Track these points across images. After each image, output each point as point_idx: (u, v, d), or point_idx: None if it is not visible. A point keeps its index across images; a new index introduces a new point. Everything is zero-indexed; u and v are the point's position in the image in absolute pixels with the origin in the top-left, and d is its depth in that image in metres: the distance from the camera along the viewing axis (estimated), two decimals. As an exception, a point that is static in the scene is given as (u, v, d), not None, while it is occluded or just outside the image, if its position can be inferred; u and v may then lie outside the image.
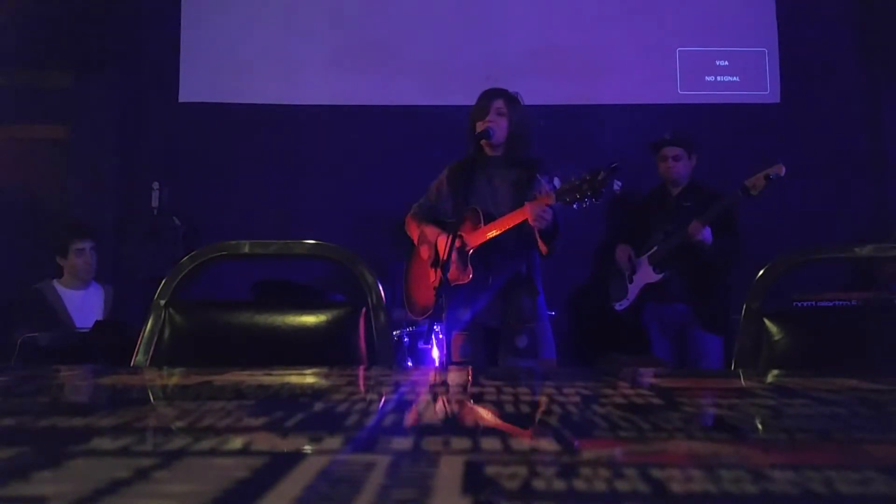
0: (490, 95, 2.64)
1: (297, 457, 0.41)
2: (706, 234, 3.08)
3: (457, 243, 2.39)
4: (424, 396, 0.75)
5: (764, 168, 3.10)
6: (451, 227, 2.39)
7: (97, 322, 3.29)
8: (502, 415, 0.58)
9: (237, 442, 0.45)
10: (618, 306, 3.38)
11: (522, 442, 0.49)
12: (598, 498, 0.33)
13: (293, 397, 0.73)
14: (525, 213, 2.37)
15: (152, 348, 1.33)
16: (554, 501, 0.32)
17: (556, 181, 2.38)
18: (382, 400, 0.68)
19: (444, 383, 0.90)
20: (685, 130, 3.44)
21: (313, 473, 0.36)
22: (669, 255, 3.18)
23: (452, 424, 0.58)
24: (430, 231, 2.63)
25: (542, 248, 2.47)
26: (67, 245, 3.55)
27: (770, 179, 3.07)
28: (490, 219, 2.49)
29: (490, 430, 0.55)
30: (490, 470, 0.37)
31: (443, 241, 2.53)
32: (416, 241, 2.69)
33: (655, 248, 3.24)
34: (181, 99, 4.37)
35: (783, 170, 3.07)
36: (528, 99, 2.71)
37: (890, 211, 4.20)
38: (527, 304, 2.53)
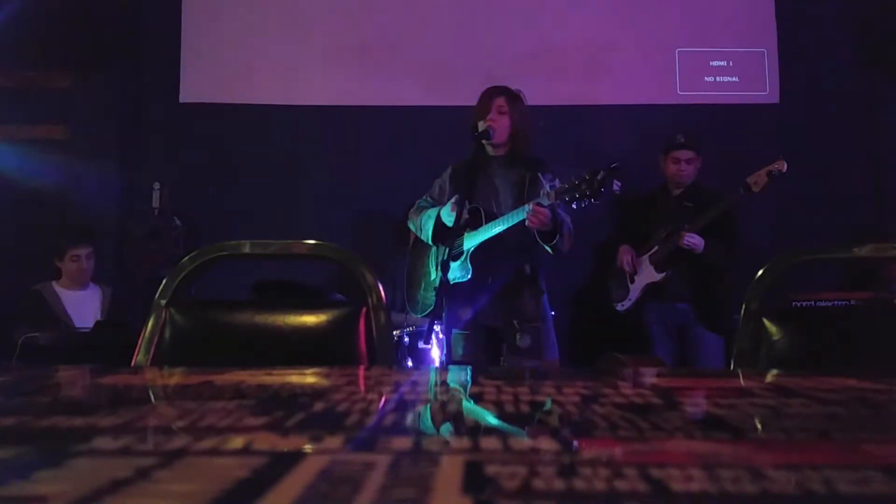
0: (491, 94, 2.63)
1: (297, 457, 0.41)
2: (696, 241, 3.08)
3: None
4: (424, 396, 0.75)
5: (765, 166, 3.11)
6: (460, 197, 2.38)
7: (98, 322, 3.30)
8: (502, 415, 0.58)
9: (238, 442, 0.45)
10: (619, 306, 3.38)
11: (522, 442, 0.49)
12: (598, 498, 0.33)
13: (293, 397, 0.73)
14: (523, 214, 2.37)
15: (153, 348, 1.33)
16: (554, 501, 0.32)
17: (557, 182, 2.38)
18: (382, 400, 0.68)
19: (444, 383, 0.90)
20: (693, 132, 3.45)
21: (313, 473, 0.36)
22: (671, 254, 3.18)
23: (452, 424, 0.58)
24: (433, 210, 2.62)
25: (546, 247, 2.47)
26: (64, 250, 3.58)
27: (772, 175, 3.06)
28: (491, 219, 2.49)
29: (490, 430, 0.55)
30: (490, 470, 0.37)
31: (448, 214, 2.51)
32: (418, 233, 2.68)
33: (657, 247, 3.24)
34: (182, 99, 4.37)
35: (785, 165, 3.07)
36: (528, 99, 2.70)
37: (889, 211, 4.20)
38: (530, 304, 2.52)
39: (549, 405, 0.63)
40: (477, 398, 0.69)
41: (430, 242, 2.61)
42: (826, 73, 4.28)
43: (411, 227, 2.73)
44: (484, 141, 2.56)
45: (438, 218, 2.56)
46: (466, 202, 2.41)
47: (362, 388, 0.81)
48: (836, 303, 3.39)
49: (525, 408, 0.61)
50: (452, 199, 2.51)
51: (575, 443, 0.47)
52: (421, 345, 3.20)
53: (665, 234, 3.22)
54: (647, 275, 3.27)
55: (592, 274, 3.94)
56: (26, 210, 4.15)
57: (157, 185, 4.03)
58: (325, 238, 1.48)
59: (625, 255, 3.34)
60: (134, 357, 1.33)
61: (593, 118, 4.22)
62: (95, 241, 3.72)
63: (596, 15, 4.41)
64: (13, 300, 3.62)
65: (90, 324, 3.28)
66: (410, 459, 0.41)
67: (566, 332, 3.77)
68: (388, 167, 4.11)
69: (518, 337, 2.48)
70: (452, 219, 2.42)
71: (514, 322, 2.50)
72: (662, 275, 3.21)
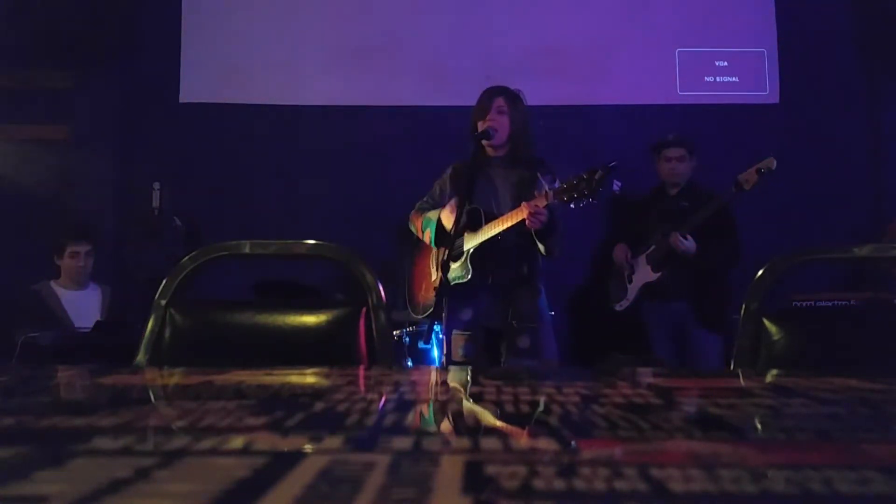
0: (491, 94, 2.63)
1: (297, 457, 0.41)
2: (687, 245, 3.08)
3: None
4: (424, 396, 0.75)
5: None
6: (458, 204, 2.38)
7: (98, 322, 3.29)
8: (502, 415, 0.58)
9: (238, 442, 0.45)
10: (617, 306, 3.37)
11: (522, 442, 0.49)
12: (598, 498, 0.33)
13: (293, 397, 0.73)
14: (522, 213, 2.37)
15: (153, 348, 1.33)
16: (554, 501, 0.32)
17: (557, 182, 2.38)
18: (382, 400, 0.68)
19: (444, 383, 0.90)
20: (690, 133, 3.45)
21: (313, 473, 0.36)
22: (667, 254, 3.18)
23: (452, 424, 0.58)
24: (433, 212, 2.62)
25: (540, 247, 2.47)
26: (63, 246, 3.57)
27: (762, 173, 3.07)
28: (491, 219, 2.49)
29: (490, 430, 0.55)
30: (490, 470, 0.37)
31: (447, 216, 2.51)
32: (419, 235, 2.69)
33: (653, 247, 3.24)
34: (181, 99, 4.37)
35: (774, 163, 3.08)
36: (528, 99, 2.70)
37: (888, 211, 4.20)
38: (528, 305, 2.52)
39: (549, 405, 0.63)
40: (477, 398, 0.69)
41: (433, 245, 2.62)
42: (826, 73, 4.28)
43: (412, 229, 2.74)
44: (484, 141, 2.56)
45: (439, 221, 2.56)
46: (466, 203, 2.41)
47: (362, 388, 0.81)
48: (836, 303, 3.39)
49: (525, 408, 0.61)
50: (451, 201, 2.52)
51: (574, 442, 0.47)
52: (421, 345, 3.20)
53: (662, 233, 3.22)
54: (644, 274, 3.27)
55: (592, 274, 3.94)
56: (26, 210, 4.15)
57: (157, 185, 4.03)
58: (325, 238, 1.48)
59: (619, 252, 3.35)
60: (134, 357, 1.33)
61: (593, 118, 4.22)
62: (95, 240, 3.71)
63: (596, 15, 4.41)
64: (13, 300, 3.62)
65: (90, 324, 3.27)
66: (410, 459, 0.41)
67: (566, 332, 3.77)
68: (388, 167, 4.11)
69: (517, 338, 2.48)
70: (451, 220, 2.42)
71: (513, 323, 2.50)
72: (658, 274, 3.21)
